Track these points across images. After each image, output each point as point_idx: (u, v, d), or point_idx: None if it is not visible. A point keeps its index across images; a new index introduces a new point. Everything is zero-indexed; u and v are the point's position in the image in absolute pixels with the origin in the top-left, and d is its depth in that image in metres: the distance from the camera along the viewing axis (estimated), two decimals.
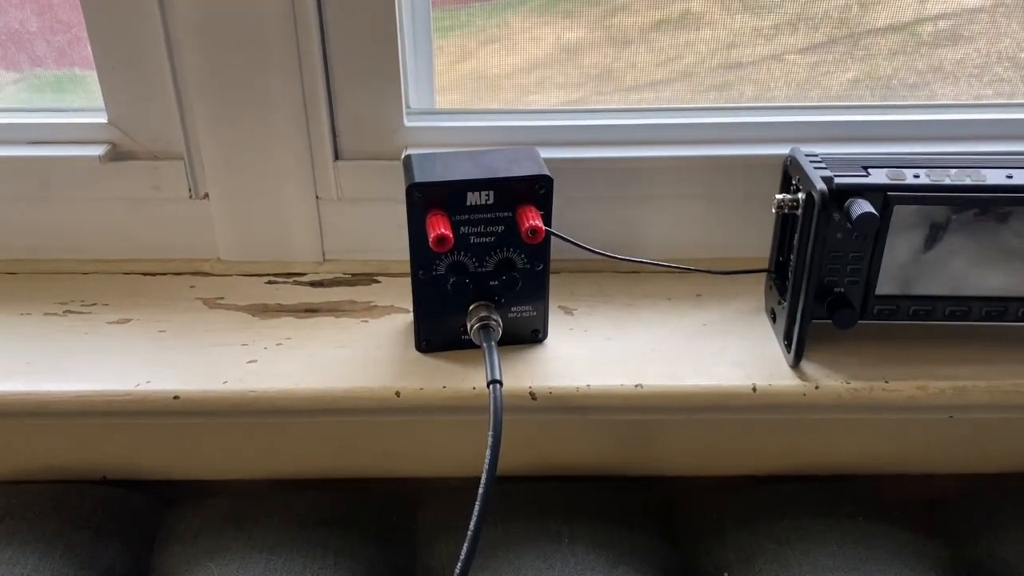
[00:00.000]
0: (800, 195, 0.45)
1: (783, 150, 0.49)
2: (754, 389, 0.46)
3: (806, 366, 0.47)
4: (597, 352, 0.49)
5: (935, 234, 0.46)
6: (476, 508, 0.40)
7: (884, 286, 0.47)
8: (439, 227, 0.44)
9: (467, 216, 0.45)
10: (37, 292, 0.55)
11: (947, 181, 0.45)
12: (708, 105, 0.58)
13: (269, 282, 0.56)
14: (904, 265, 0.46)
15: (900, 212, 0.45)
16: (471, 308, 0.47)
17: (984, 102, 0.59)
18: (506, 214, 0.45)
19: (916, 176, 0.45)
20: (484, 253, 0.46)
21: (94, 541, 0.49)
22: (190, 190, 0.54)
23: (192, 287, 0.55)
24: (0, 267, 0.57)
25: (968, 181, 0.45)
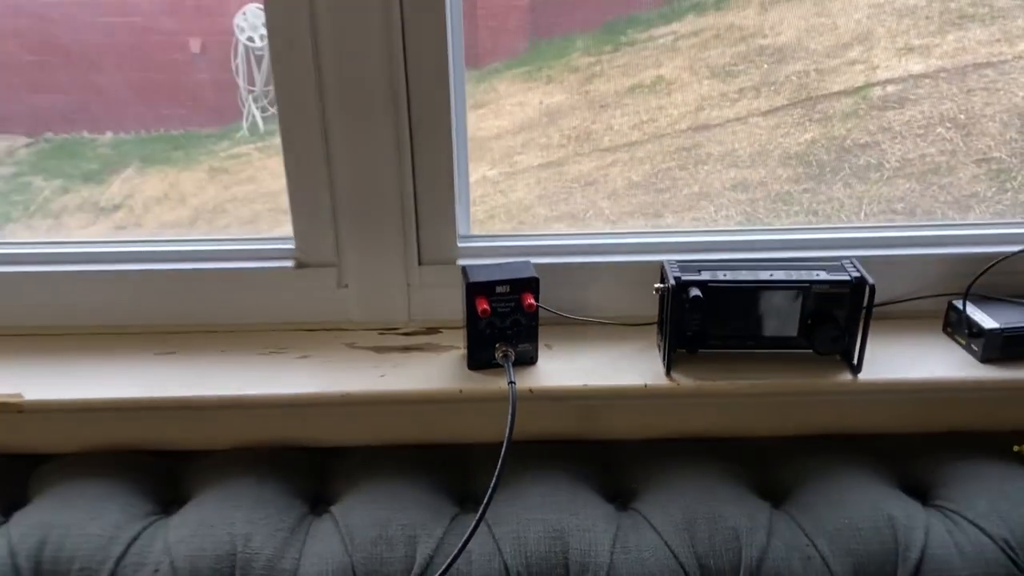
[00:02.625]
0: (666, 284, 0.89)
1: (664, 257, 0.92)
2: (645, 386, 0.89)
3: (673, 374, 0.90)
4: (564, 369, 0.92)
5: (737, 303, 0.89)
6: (502, 452, 0.82)
7: (711, 332, 0.90)
8: (483, 305, 0.87)
9: (496, 298, 0.88)
10: (249, 345, 0.97)
11: (739, 277, 0.88)
12: (628, 230, 1.01)
13: (380, 333, 0.98)
14: (720, 320, 0.90)
15: (715, 293, 0.88)
16: (497, 345, 0.90)
17: (789, 226, 1.01)
18: (516, 296, 0.88)
19: (724, 275, 0.89)
20: (504, 316, 0.89)
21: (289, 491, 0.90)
22: (337, 283, 0.97)
23: (337, 337, 0.98)
24: (225, 328, 0.99)
25: (748, 277, 0.88)
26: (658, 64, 2.39)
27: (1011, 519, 0.83)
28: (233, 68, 1.81)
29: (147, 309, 0.98)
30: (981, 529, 0.82)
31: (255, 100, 1.80)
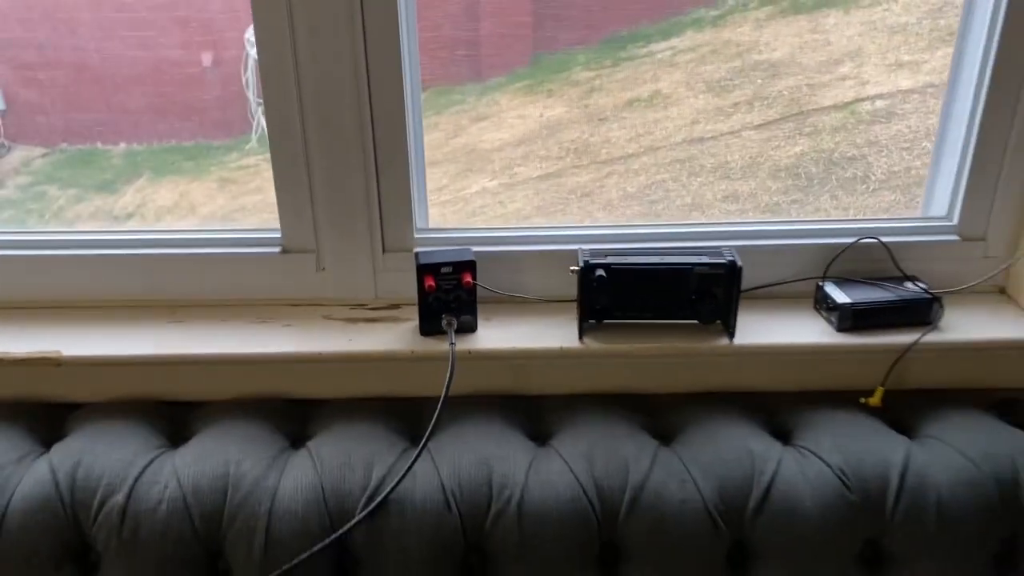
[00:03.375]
0: (578, 267, 1.10)
1: (581, 246, 1.14)
2: (561, 348, 1.10)
3: (584, 340, 1.11)
4: (497, 335, 1.13)
5: (635, 282, 1.10)
6: (442, 395, 1.04)
7: (615, 305, 1.11)
8: (429, 281, 1.08)
9: (440, 277, 1.10)
10: (242, 316, 1.19)
11: (636, 261, 1.10)
12: (555, 224, 1.22)
13: (351, 308, 1.20)
14: (622, 296, 1.11)
15: (617, 273, 1.09)
16: (443, 316, 1.12)
17: (685, 221, 1.22)
18: (457, 275, 1.10)
19: (625, 259, 1.10)
20: (448, 292, 1.11)
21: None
22: (316, 267, 1.19)
23: (315, 311, 1.19)
24: (223, 303, 1.21)
25: (643, 261, 1.09)
26: (656, 79, 2.49)
27: (847, 452, 1.03)
28: (243, 81, 1.83)
29: (160, 286, 1.20)
30: (823, 460, 1.03)
31: (264, 113, 1.82)
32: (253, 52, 1.77)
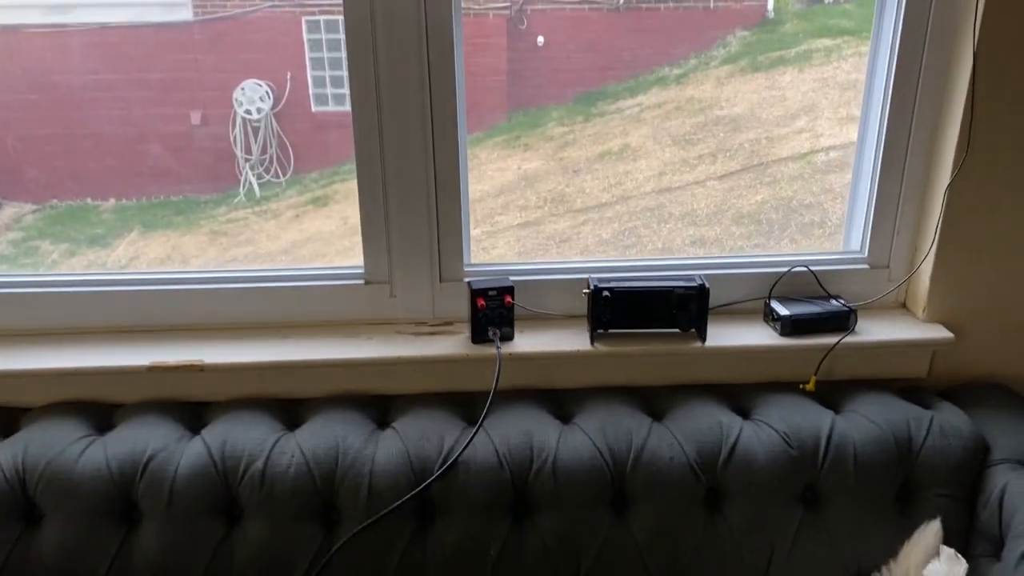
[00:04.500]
0: (589, 290, 1.48)
1: (591, 275, 1.52)
2: (577, 351, 1.48)
3: (595, 344, 1.49)
4: (530, 342, 1.51)
5: (633, 300, 1.49)
6: (493, 386, 1.41)
7: (618, 318, 1.50)
8: (480, 302, 1.47)
9: (488, 298, 1.48)
10: (336, 333, 1.55)
11: (633, 285, 1.48)
12: (573, 260, 1.60)
13: (416, 325, 1.57)
14: (623, 311, 1.49)
15: (618, 294, 1.48)
16: (489, 328, 1.49)
17: (669, 256, 1.61)
18: (500, 297, 1.48)
19: (625, 283, 1.49)
20: (493, 310, 1.49)
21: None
22: (390, 294, 1.56)
23: (390, 328, 1.56)
24: (321, 323, 1.57)
25: (638, 285, 1.48)
26: (625, 133, 2.68)
27: (790, 422, 1.42)
28: (231, 139, 1.95)
29: (269, 313, 1.57)
30: (772, 428, 1.42)
31: (251, 168, 1.93)
32: (241, 110, 1.93)
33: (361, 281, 1.56)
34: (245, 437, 1.40)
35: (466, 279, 1.55)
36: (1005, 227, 1.50)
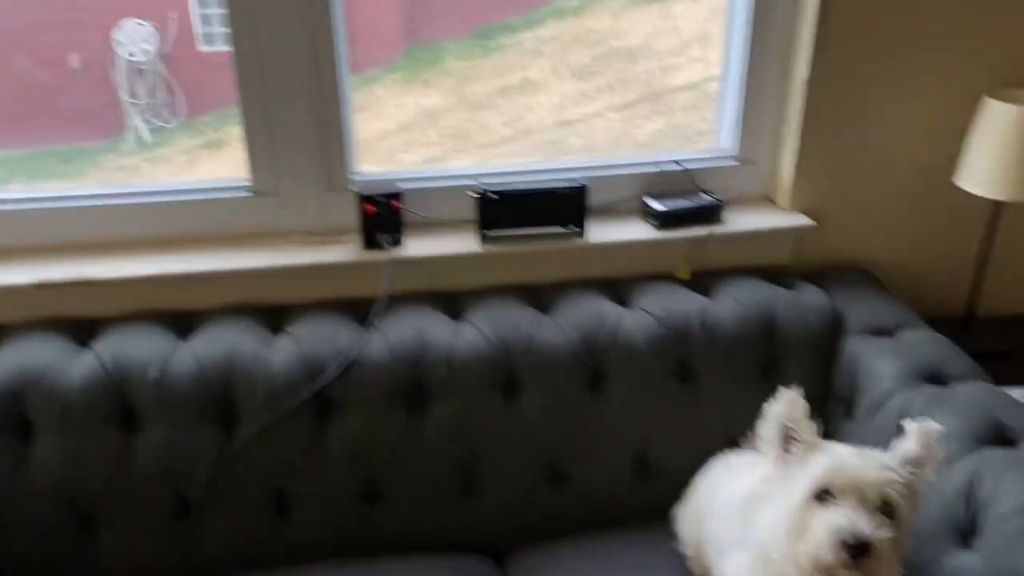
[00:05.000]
0: (476, 192, 1.54)
1: (480, 181, 1.58)
2: (468, 253, 1.54)
3: (484, 245, 1.56)
4: (421, 246, 1.56)
5: (518, 202, 1.55)
6: (385, 291, 1.46)
7: (503, 220, 1.56)
8: (369, 207, 1.50)
9: (376, 204, 1.52)
10: (228, 244, 1.57)
11: (517, 187, 1.54)
12: (463, 168, 1.65)
13: (309, 235, 1.60)
14: (509, 212, 1.55)
15: (504, 196, 1.54)
16: (379, 234, 1.53)
17: (552, 161, 1.68)
18: (388, 203, 1.52)
19: (510, 186, 1.55)
20: (382, 216, 1.53)
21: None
22: (279, 206, 1.58)
23: (281, 239, 1.59)
24: (213, 236, 1.58)
25: (522, 187, 1.55)
26: (524, 67, 2.65)
27: (666, 307, 1.52)
28: (115, 82, 1.86)
29: (160, 229, 1.57)
30: (649, 313, 1.52)
31: (139, 113, 1.86)
32: (124, 52, 1.84)
33: (248, 193, 1.57)
34: (138, 347, 1.41)
35: (354, 187, 1.58)
36: (860, 120, 1.62)
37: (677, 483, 1.42)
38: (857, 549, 0.98)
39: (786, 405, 1.09)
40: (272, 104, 1.50)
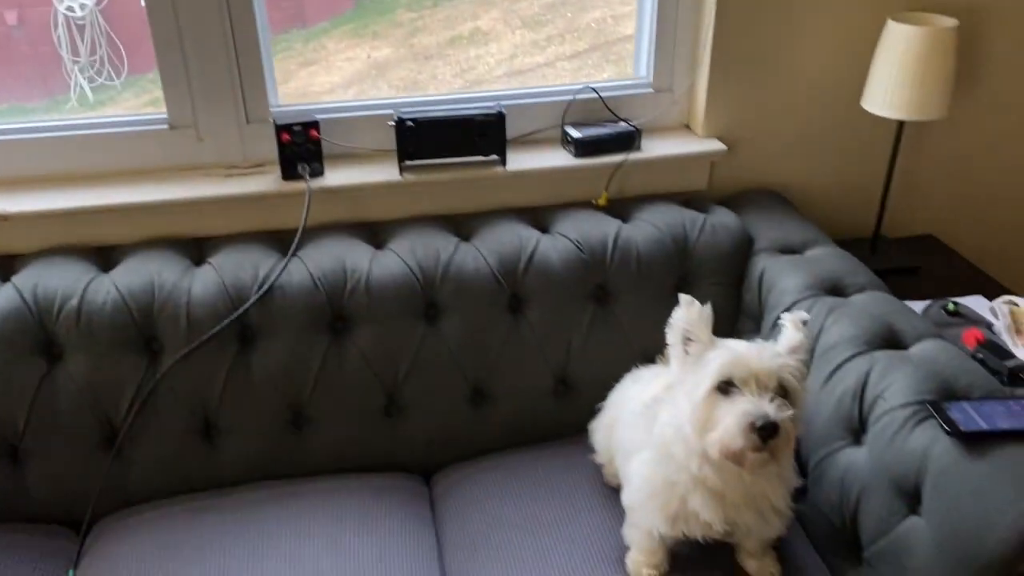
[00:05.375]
0: (395, 121, 1.56)
1: (400, 110, 1.59)
2: (387, 181, 1.56)
3: (404, 175, 1.58)
4: (340, 176, 1.57)
5: (437, 130, 1.57)
6: (303, 217, 1.48)
7: (423, 149, 1.58)
8: (286, 137, 1.51)
9: (293, 133, 1.53)
10: (147, 179, 1.57)
11: (435, 115, 1.56)
12: (381, 97, 1.66)
13: (227, 167, 1.61)
14: (430, 141, 1.57)
15: (422, 124, 1.55)
16: (299, 164, 1.55)
17: (472, 91, 1.69)
18: (306, 132, 1.53)
19: (429, 114, 1.56)
20: (300, 145, 1.54)
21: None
22: (197, 139, 1.58)
23: (199, 172, 1.59)
24: (130, 171, 1.58)
25: (440, 115, 1.56)
26: (475, 16, 2.53)
27: (582, 231, 1.56)
28: (55, 40, 1.75)
29: (77, 165, 1.56)
30: (566, 237, 1.56)
31: (81, 71, 1.76)
32: (62, 7, 1.75)
33: (165, 126, 1.57)
34: (58, 279, 1.42)
35: (271, 117, 1.58)
36: (770, 47, 1.66)
37: (595, 400, 1.47)
38: (766, 431, 1.04)
39: (685, 310, 1.14)
40: (185, 33, 1.50)
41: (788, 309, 1.46)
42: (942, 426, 1.13)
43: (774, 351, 1.10)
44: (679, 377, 1.17)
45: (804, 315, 1.15)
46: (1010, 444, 1.10)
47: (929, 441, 1.14)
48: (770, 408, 1.05)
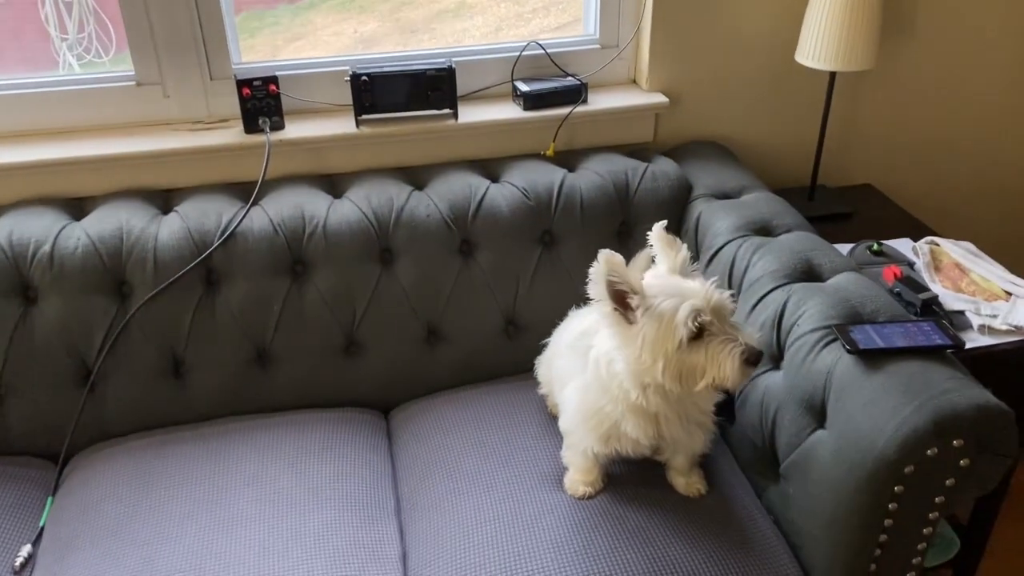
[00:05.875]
0: (349, 77, 1.64)
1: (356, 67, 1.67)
2: (345, 134, 1.65)
3: (360, 128, 1.66)
4: (301, 130, 1.66)
5: (390, 84, 1.65)
6: (264, 167, 1.57)
7: (379, 102, 1.66)
8: (246, 90, 1.60)
9: (253, 88, 1.61)
10: (116, 134, 1.65)
11: (388, 71, 1.64)
12: (339, 54, 1.74)
13: (193, 123, 1.69)
14: (384, 95, 1.65)
15: (376, 79, 1.64)
16: (260, 117, 1.63)
17: (425, 48, 1.77)
18: (266, 87, 1.61)
19: (383, 69, 1.65)
20: (261, 100, 1.62)
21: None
22: (163, 95, 1.66)
23: (166, 128, 1.67)
24: (100, 126, 1.66)
25: (392, 70, 1.65)
26: None
27: (528, 179, 1.65)
28: (42, 17, 1.76)
29: (46, 121, 1.64)
30: (514, 185, 1.65)
31: (70, 48, 1.77)
32: None
33: (133, 83, 1.65)
34: (31, 227, 1.51)
35: (234, 74, 1.66)
36: (710, 4, 1.74)
37: (542, 338, 1.56)
38: (756, 357, 1.12)
39: (604, 264, 1.16)
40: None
41: (720, 248, 1.55)
42: (844, 345, 1.23)
43: (711, 284, 1.16)
44: (618, 327, 1.18)
45: (662, 222, 1.24)
46: (904, 360, 1.20)
47: (834, 360, 1.25)
48: (752, 339, 1.13)
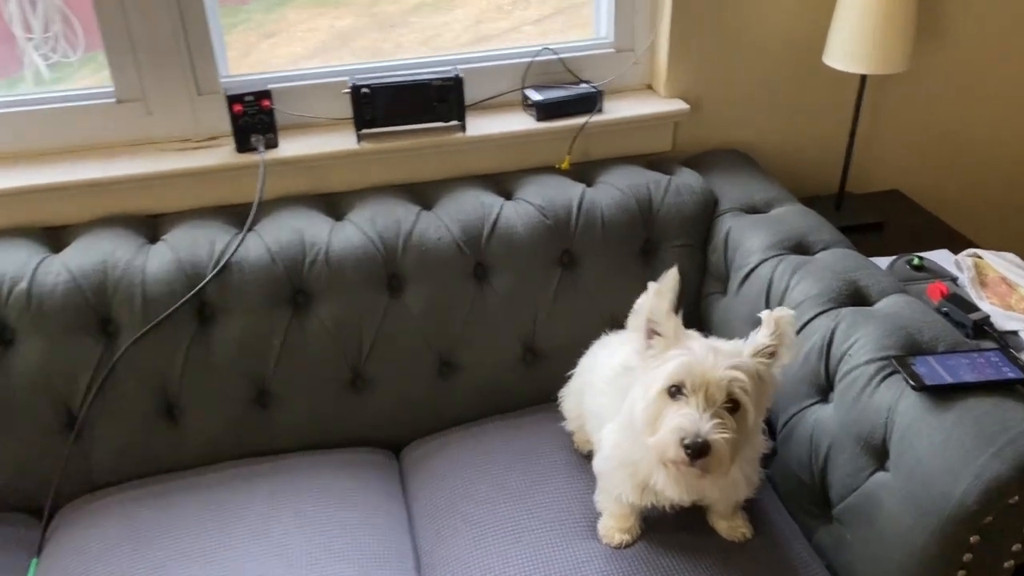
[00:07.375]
0: (351, 88, 1.51)
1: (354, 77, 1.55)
2: (345, 150, 1.52)
3: (361, 143, 1.54)
4: (295, 147, 1.53)
5: (393, 95, 1.53)
6: (259, 190, 1.44)
7: (380, 116, 1.54)
8: (237, 108, 1.47)
9: (245, 104, 1.48)
10: (98, 156, 1.52)
11: (392, 80, 1.52)
12: (336, 65, 1.61)
13: (180, 142, 1.56)
14: (386, 107, 1.53)
15: (378, 90, 1.51)
16: (252, 135, 1.50)
17: (428, 55, 1.65)
18: (258, 103, 1.49)
19: (385, 80, 1.52)
20: (253, 116, 1.49)
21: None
22: (147, 112, 1.53)
23: (151, 147, 1.54)
24: (81, 147, 1.53)
25: (395, 81, 1.52)
26: None
27: (545, 196, 1.54)
28: (6, 16, 1.71)
29: (21, 142, 1.50)
30: (530, 203, 1.53)
31: (36, 48, 1.72)
32: None
33: (112, 100, 1.52)
34: (5, 262, 1.38)
35: (223, 88, 1.53)
36: (731, 2, 1.63)
37: (564, 366, 1.45)
38: (694, 449, 1.02)
39: (652, 300, 1.11)
40: (128, 1, 1.44)
41: (754, 269, 1.45)
42: (907, 381, 1.13)
43: (732, 359, 1.06)
44: (639, 364, 1.14)
45: (789, 312, 1.09)
46: (973, 397, 1.10)
47: (895, 396, 1.15)
48: (706, 426, 1.03)
